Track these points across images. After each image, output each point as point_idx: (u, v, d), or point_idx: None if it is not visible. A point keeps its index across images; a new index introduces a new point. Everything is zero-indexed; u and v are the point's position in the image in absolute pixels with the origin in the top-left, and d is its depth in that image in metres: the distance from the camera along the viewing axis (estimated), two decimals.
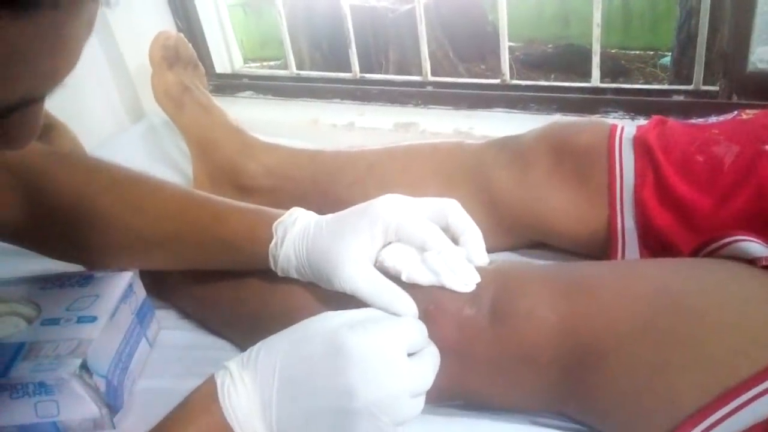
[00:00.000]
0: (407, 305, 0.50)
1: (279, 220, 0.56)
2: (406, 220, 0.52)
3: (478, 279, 0.52)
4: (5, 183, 0.60)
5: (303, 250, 0.54)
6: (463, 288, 0.52)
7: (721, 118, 0.67)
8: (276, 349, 0.45)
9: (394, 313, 0.50)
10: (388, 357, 0.44)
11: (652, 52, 2.96)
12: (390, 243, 0.54)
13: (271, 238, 0.56)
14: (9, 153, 0.60)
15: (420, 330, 0.48)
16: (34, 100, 0.30)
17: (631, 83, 2.71)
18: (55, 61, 0.28)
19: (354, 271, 0.51)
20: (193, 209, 0.60)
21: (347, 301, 0.52)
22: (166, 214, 0.60)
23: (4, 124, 0.30)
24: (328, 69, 2.46)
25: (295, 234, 0.55)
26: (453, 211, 0.55)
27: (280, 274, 0.57)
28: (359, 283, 0.51)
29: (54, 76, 0.29)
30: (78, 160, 0.65)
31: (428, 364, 0.47)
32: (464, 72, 2.67)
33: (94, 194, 0.61)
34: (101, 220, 0.61)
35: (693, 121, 0.70)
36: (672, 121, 0.69)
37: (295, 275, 0.56)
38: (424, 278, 0.52)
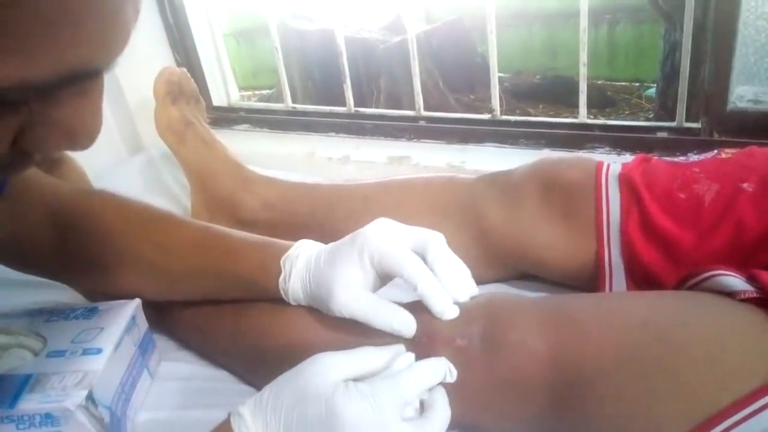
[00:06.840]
0: (406, 320, 0.52)
1: (286, 254, 0.59)
2: (387, 250, 0.54)
3: (456, 313, 0.54)
4: (42, 219, 0.64)
5: (307, 281, 0.57)
6: (443, 318, 0.53)
7: (702, 156, 0.70)
8: (281, 402, 0.46)
9: (396, 331, 0.52)
10: (381, 425, 0.44)
11: (637, 84, 3.01)
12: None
13: (280, 272, 0.58)
14: (48, 191, 0.64)
15: (417, 383, 0.48)
16: (87, 75, 0.29)
17: (618, 114, 2.77)
18: (104, 24, 0.28)
19: (347, 296, 0.53)
20: (211, 246, 0.63)
21: (346, 329, 0.55)
22: (187, 251, 0.64)
23: (62, 107, 0.29)
24: (319, 98, 2.50)
25: (300, 267, 0.57)
26: (434, 245, 0.55)
27: (293, 303, 0.59)
28: (354, 307, 0.53)
29: (105, 44, 0.28)
30: (108, 199, 0.68)
31: (429, 428, 0.47)
32: (454, 102, 2.70)
33: (121, 232, 0.65)
34: (128, 257, 0.65)
35: (675, 159, 0.72)
36: (655, 159, 0.71)
37: (305, 304, 0.59)
38: None
